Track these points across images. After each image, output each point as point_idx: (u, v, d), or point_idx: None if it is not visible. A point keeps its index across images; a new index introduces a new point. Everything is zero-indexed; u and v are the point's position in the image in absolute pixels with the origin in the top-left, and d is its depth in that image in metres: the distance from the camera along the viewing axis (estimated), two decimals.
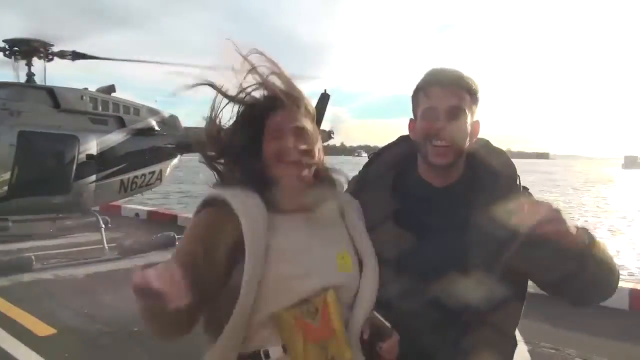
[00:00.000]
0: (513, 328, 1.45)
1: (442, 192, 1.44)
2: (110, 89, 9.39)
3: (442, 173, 1.44)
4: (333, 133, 9.20)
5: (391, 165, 1.53)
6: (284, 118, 1.30)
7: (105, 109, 9.06)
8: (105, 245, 8.27)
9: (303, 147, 1.29)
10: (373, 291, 1.30)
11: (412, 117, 1.48)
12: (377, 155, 1.60)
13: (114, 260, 7.92)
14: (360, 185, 1.55)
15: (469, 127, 1.40)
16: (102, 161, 8.83)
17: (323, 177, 1.35)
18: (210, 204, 1.28)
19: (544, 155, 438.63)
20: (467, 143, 1.42)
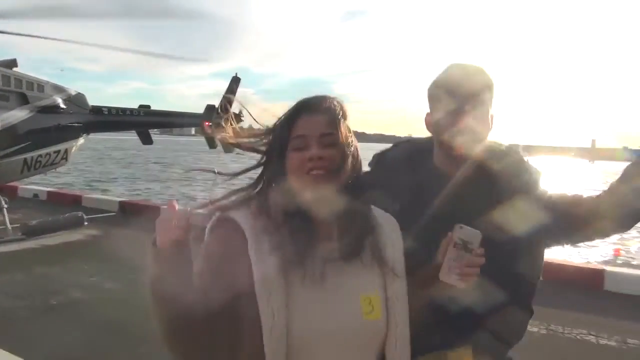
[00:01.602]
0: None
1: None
2: (12, 63, 8.96)
3: (462, 163, 1.44)
4: (243, 115, 9.58)
5: (407, 156, 1.55)
6: (309, 122, 1.14)
7: (6, 84, 8.65)
8: (9, 225, 8.03)
9: (330, 156, 1.11)
10: (406, 338, 1.16)
11: (429, 110, 1.50)
12: (380, 154, 1.61)
13: (19, 241, 7.74)
14: (379, 167, 1.57)
15: (489, 120, 1.45)
16: (3, 139, 8.47)
17: (355, 195, 1.15)
18: (223, 227, 1.14)
19: None
20: (488, 134, 1.46)
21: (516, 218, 1.38)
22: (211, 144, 11.24)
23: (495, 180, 1.45)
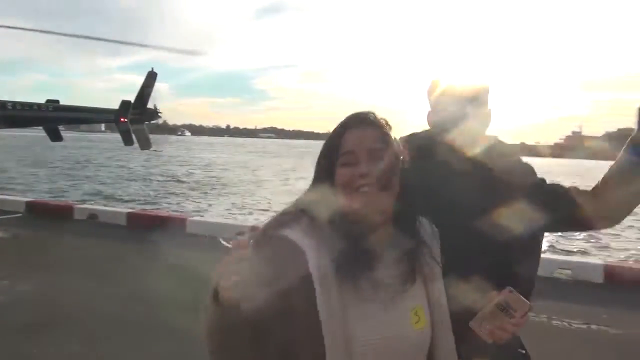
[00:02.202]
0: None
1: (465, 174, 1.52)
2: None
3: (464, 159, 1.49)
4: (160, 112, 9.44)
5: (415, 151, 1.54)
6: (358, 137, 1.13)
7: None
8: None
9: (379, 171, 1.10)
10: (452, 348, 1.18)
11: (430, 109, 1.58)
12: None
13: None
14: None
15: (488, 117, 1.54)
16: None
17: (405, 209, 1.15)
18: (279, 244, 1.09)
19: None
20: (486, 130, 1.56)
21: (515, 213, 1.43)
22: (127, 140, 10.90)
23: (495, 175, 1.50)
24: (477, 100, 1.49)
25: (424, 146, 1.52)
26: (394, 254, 1.13)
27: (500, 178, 1.49)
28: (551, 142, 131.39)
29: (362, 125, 1.13)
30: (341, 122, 1.16)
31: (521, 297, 1.12)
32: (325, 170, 1.13)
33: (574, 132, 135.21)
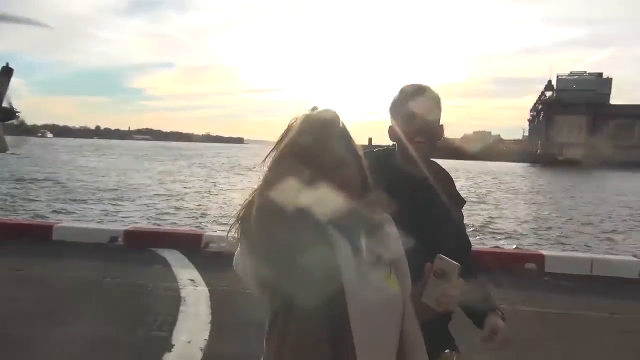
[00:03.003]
0: None
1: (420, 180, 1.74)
2: None
3: (421, 165, 1.73)
4: (18, 111, 8.75)
5: (375, 160, 1.69)
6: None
7: None
8: None
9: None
10: (413, 314, 1.30)
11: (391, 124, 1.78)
12: None
13: None
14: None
15: (441, 130, 1.77)
16: None
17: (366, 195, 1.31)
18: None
19: (239, 140, 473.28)
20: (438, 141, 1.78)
21: (457, 205, 1.80)
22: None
23: (442, 177, 1.81)
24: (430, 115, 1.71)
25: (380, 157, 1.76)
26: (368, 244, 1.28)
27: (445, 180, 1.80)
28: None
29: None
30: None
31: (450, 260, 1.22)
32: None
33: None
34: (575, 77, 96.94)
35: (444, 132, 1.79)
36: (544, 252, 7.00)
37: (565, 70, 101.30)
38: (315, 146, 1.17)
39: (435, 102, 1.73)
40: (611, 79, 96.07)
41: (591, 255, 7.47)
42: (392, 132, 1.77)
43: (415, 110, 1.68)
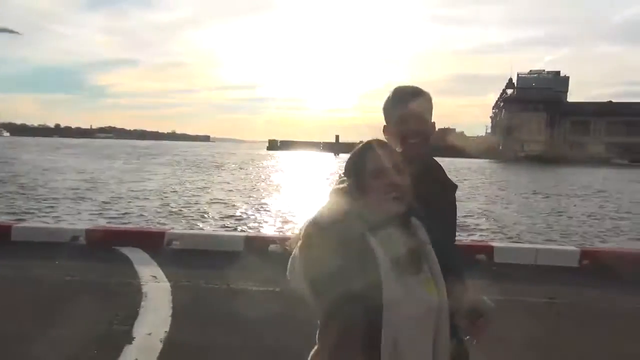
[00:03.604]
0: None
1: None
2: None
3: (415, 162, 1.71)
4: None
5: None
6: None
7: None
8: None
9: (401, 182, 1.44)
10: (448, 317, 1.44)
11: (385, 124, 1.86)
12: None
13: None
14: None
15: (432, 128, 1.85)
16: None
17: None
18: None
19: (206, 138, 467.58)
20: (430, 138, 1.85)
21: (448, 200, 1.87)
22: None
23: (434, 172, 1.86)
24: (422, 115, 1.81)
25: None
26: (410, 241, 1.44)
27: (437, 175, 1.88)
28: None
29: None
30: (364, 144, 1.51)
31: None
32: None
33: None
34: (535, 75, 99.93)
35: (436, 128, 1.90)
36: (493, 244, 7.39)
37: (525, 69, 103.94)
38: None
39: (427, 102, 1.84)
40: (568, 77, 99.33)
41: (536, 246, 7.97)
42: (386, 133, 1.86)
43: (409, 111, 1.78)
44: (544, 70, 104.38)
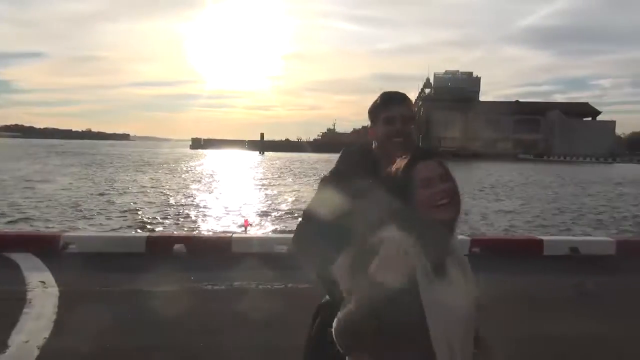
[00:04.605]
0: None
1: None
2: None
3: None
4: None
5: (358, 160, 2.03)
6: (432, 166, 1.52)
7: None
8: None
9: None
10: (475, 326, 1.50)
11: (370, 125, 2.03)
12: (337, 170, 2.04)
13: None
14: (339, 177, 1.97)
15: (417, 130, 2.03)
16: None
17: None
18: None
19: (125, 137, 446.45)
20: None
21: None
22: None
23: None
24: (408, 118, 1.97)
25: (364, 155, 2.01)
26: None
27: None
28: (311, 138, 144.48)
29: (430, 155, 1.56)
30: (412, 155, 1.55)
31: None
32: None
33: (328, 129, 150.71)
34: (450, 75, 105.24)
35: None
36: None
37: (441, 69, 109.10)
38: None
39: (410, 106, 2.03)
40: (480, 77, 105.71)
41: None
42: (372, 133, 2.04)
43: (394, 113, 1.96)
44: (458, 70, 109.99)
